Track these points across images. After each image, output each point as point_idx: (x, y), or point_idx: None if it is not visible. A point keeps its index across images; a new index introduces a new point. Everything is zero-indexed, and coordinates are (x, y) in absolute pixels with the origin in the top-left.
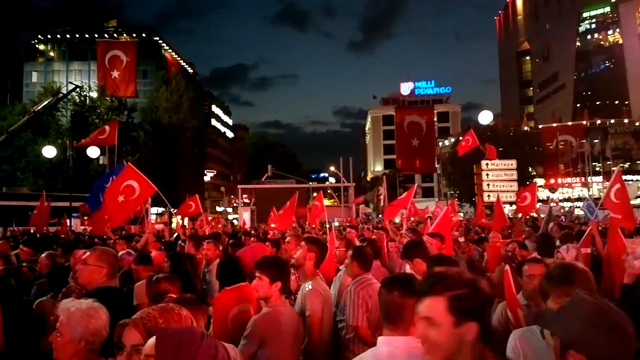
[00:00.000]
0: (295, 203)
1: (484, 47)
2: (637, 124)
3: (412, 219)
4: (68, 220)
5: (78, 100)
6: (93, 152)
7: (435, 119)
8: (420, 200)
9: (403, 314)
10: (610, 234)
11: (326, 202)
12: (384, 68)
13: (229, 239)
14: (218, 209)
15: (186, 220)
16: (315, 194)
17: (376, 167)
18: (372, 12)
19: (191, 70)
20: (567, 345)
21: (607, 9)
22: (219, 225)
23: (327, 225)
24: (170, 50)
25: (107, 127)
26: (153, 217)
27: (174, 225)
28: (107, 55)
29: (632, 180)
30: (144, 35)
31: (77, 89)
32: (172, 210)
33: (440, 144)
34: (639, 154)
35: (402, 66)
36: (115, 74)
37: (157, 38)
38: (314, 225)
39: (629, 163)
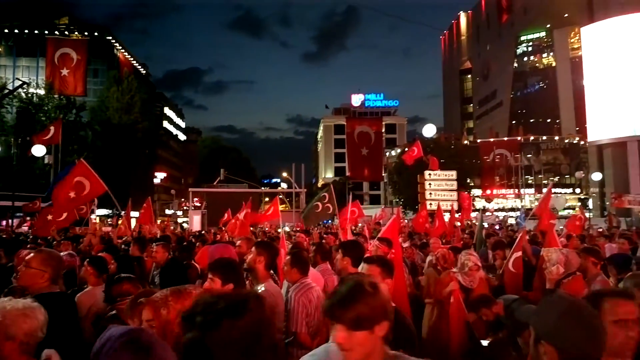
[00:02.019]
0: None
1: (430, 64)
2: (566, 141)
3: (359, 224)
4: (10, 220)
5: (25, 97)
6: (38, 150)
7: (383, 130)
8: (368, 207)
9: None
10: (548, 238)
11: (279, 207)
12: (336, 79)
13: (177, 243)
14: (168, 211)
15: (132, 223)
16: (267, 199)
17: (327, 174)
18: (326, 24)
19: (144, 71)
20: (539, 336)
21: (543, 33)
22: (171, 228)
23: (280, 230)
24: (123, 50)
25: (51, 127)
26: (97, 219)
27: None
28: (57, 53)
29: (560, 193)
30: (96, 33)
31: (24, 86)
32: (121, 212)
33: (388, 154)
34: (567, 169)
35: (353, 78)
36: (65, 71)
37: (110, 37)
38: (266, 229)
39: (558, 177)
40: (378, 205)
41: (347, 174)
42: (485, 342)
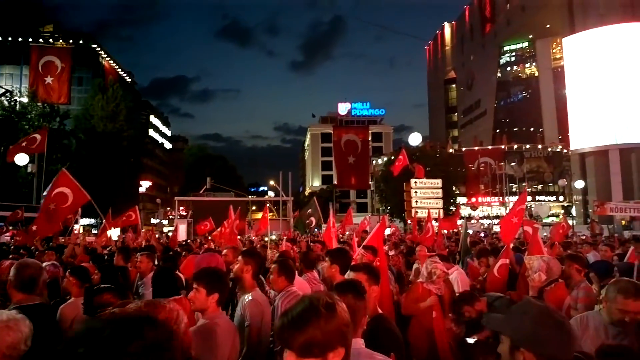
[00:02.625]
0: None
1: (416, 74)
2: (549, 149)
3: (347, 232)
4: None
5: (7, 105)
6: (21, 159)
7: (370, 139)
8: (355, 215)
9: (353, 317)
10: (532, 243)
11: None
12: (323, 88)
13: (164, 252)
14: (153, 221)
15: (117, 233)
16: (254, 207)
17: (314, 182)
18: (313, 33)
19: (129, 79)
20: (517, 344)
21: (525, 44)
22: (156, 237)
23: (267, 238)
24: (108, 58)
25: (37, 136)
26: (81, 229)
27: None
28: (42, 61)
29: (544, 200)
30: (81, 41)
31: (7, 94)
32: (104, 221)
33: (374, 162)
34: (550, 177)
35: (340, 87)
36: (49, 79)
37: (95, 45)
38: (253, 237)
39: (541, 185)
40: (365, 213)
41: (335, 182)
42: (470, 340)
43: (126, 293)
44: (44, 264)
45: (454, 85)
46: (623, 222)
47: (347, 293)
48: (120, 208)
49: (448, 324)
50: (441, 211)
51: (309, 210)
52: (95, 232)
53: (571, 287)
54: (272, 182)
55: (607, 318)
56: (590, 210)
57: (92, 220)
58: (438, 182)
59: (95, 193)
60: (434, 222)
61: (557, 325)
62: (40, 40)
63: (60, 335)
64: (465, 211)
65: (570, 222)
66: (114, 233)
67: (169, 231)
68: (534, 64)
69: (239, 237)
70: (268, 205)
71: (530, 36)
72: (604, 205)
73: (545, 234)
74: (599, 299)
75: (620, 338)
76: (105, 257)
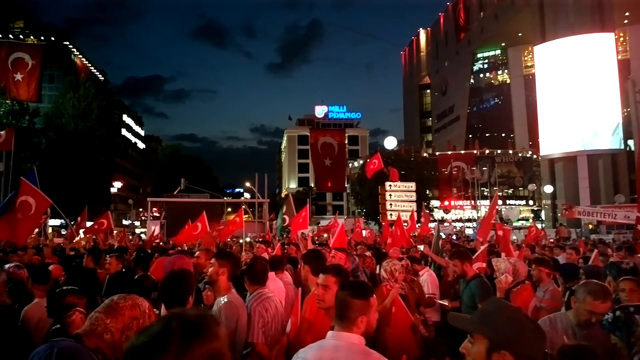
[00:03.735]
0: (205, 220)
1: (392, 79)
2: (519, 154)
3: (324, 235)
4: None
5: None
6: None
7: (346, 142)
8: (331, 217)
9: (349, 313)
10: (503, 246)
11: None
12: (300, 90)
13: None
14: (125, 222)
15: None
16: (230, 209)
17: (291, 184)
18: (291, 36)
19: (102, 77)
20: (498, 346)
21: (498, 51)
22: (129, 238)
23: (241, 240)
24: (80, 56)
25: (2, 133)
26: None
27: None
28: (11, 57)
29: (514, 204)
30: (52, 38)
31: None
32: (71, 222)
33: (350, 165)
34: (521, 182)
35: (316, 90)
36: (19, 76)
37: (67, 42)
38: (228, 239)
39: (512, 189)
40: (341, 215)
41: (311, 184)
42: None
43: (93, 295)
44: (6, 266)
45: (428, 91)
46: (590, 226)
47: (344, 291)
48: (91, 209)
49: (414, 321)
50: (415, 213)
51: (285, 209)
52: (65, 232)
53: (538, 289)
54: (248, 184)
55: (574, 319)
56: (559, 214)
57: (62, 221)
58: (412, 185)
59: (66, 193)
60: (405, 225)
61: (535, 327)
62: (11, 36)
63: (22, 335)
64: (438, 214)
65: (539, 225)
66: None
67: (141, 232)
68: (506, 71)
69: (231, 239)
70: (244, 207)
71: (503, 44)
72: (572, 210)
73: (515, 237)
74: (564, 301)
75: (587, 339)
76: (76, 259)
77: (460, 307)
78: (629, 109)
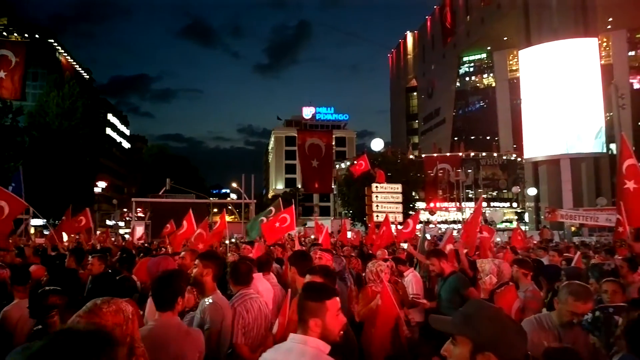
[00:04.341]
0: (192, 220)
1: (379, 81)
2: (504, 157)
3: (312, 236)
4: None
5: None
6: None
7: (333, 143)
8: (318, 218)
9: (302, 315)
10: (481, 250)
11: (227, 218)
12: (288, 91)
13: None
14: (109, 222)
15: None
16: (216, 210)
17: (278, 185)
18: (278, 37)
19: (87, 76)
20: (482, 347)
21: (484, 55)
22: (112, 239)
23: (227, 242)
24: (65, 54)
25: None
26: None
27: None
28: None
29: (498, 207)
30: (37, 35)
31: None
32: (55, 222)
33: (337, 166)
34: (505, 184)
35: (304, 91)
36: (2, 74)
37: (52, 40)
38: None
39: (496, 191)
40: (328, 217)
41: (298, 185)
42: None
43: (75, 296)
44: None
45: (415, 93)
46: (573, 229)
47: (304, 294)
48: (74, 208)
49: (398, 312)
50: (400, 215)
51: (272, 211)
52: (47, 233)
53: (519, 290)
54: (234, 185)
55: (557, 320)
56: (542, 217)
57: (44, 222)
58: (398, 187)
59: (49, 192)
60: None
61: (519, 329)
62: None
63: (3, 337)
64: (423, 216)
65: (522, 227)
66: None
67: (125, 233)
68: (491, 74)
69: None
70: (230, 207)
71: (489, 48)
72: (555, 212)
73: (499, 239)
74: (546, 302)
75: (571, 339)
76: (57, 260)
77: (439, 306)
78: (611, 113)
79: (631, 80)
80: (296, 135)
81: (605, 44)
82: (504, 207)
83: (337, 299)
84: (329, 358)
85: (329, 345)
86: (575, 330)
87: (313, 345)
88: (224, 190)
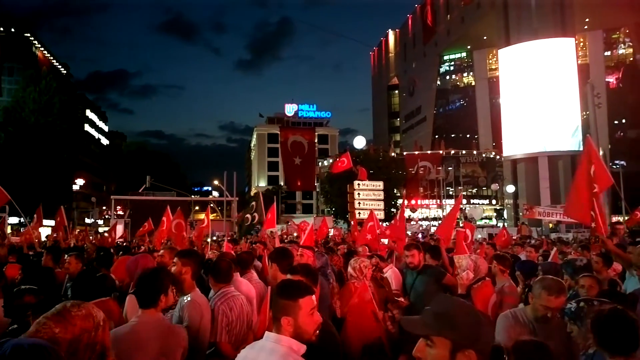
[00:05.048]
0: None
1: (361, 79)
2: (483, 155)
3: (295, 234)
4: None
5: None
6: None
7: (316, 140)
8: (301, 215)
9: (275, 313)
10: (456, 244)
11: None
12: (270, 88)
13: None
14: (87, 220)
15: (46, 232)
16: (197, 207)
17: (260, 182)
18: (261, 33)
19: (64, 71)
20: (462, 346)
21: (464, 54)
22: (90, 238)
23: (208, 239)
24: (42, 48)
25: None
26: (9, 228)
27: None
28: None
29: (478, 203)
30: (12, 30)
31: None
32: (27, 219)
33: (320, 164)
34: (484, 181)
35: (287, 88)
36: None
37: (28, 34)
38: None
39: (476, 189)
40: (310, 214)
41: (281, 182)
42: None
43: (51, 295)
44: None
45: (396, 91)
46: (550, 225)
47: (277, 292)
48: (52, 206)
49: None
50: (382, 213)
51: (254, 206)
52: (23, 230)
53: (496, 285)
54: (216, 182)
55: (531, 314)
56: (521, 214)
57: (21, 219)
58: (380, 184)
59: (25, 189)
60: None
61: (489, 322)
62: None
63: None
64: (405, 213)
65: (501, 224)
66: (43, 233)
67: (104, 231)
68: (471, 73)
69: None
70: (212, 205)
71: (468, 47)
72: (532, 209)
73: (480, 236)
74: (523, 297)
75: (546, 333)
76: (34, 258)
77: (411, 300)
78: (587, 112)
79: (607, 80)
80: (279, 132)
81: (582, 43)
82: (483, 204)
83: (312, 297)
84: (299, 358)
85: (304, 345)
86: (550, 324)
87: (285, 344)
88: (205, 188)
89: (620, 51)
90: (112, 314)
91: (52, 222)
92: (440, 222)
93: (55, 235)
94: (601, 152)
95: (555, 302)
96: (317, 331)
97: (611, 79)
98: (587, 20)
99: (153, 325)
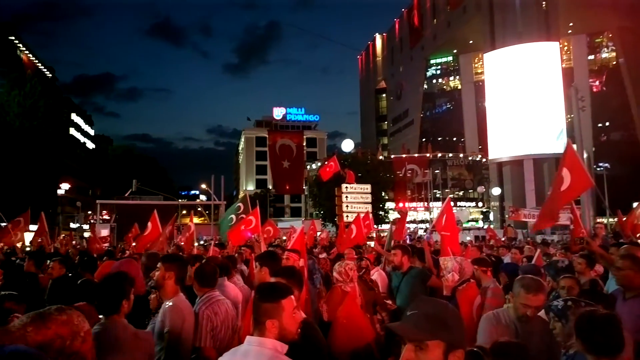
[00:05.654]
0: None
1: (349, 82)
2: (470, 158)
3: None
4: None
5: None
6: None
7: (304, 144)
8: (289, 219)
9: (258, 317)
10: (441, 249)
11: (196, 219)
12: (258, 92)
13: (81, 258)
14: (72, 225)
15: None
16: (184, 212)
17: (248, 186)
18: (248, 37)
19: (50, 75)
20: (453, 347)
21: (450, 58)
22: (73, 243)
23: (196, 244)
24: (26, 51)
25: None
26: None
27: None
28: None
29: (464, 206)
30: None
31: None
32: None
33: (308, 167)
34: (471, 184)
35: (275, 92)
36: None
37: (13, 37)
38: (182, 243)
39: (462, 191)
40: (299, 217)
41: (269, 186)
42: None
43: (34, 300)
44: None
45: (384, 95)
46: None
47: (257, 295)
48: (36, 210)
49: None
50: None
51: (240, 207)
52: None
53: (481, 287)
54: (204, 186)
55: (513, 314)
56: (507, 216)
57: (4, 224)
58: (367, 187)
59: (9, 194)
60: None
61: (461, 317)
62: None
63: None
64: (392, 216)
65: (485, 226)
66: (27, 238)
67: (89, 236)
68: (457, 77)
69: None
70: (199, 209)
71: (455, 51)
72: (518, 212)
73: (468, 238)
74: (507, 298)
75: (527, 333)
76: (15, 262)
77: (400, 300)
78: (572, 115)
79: (591, 83)
80: (267, 135)
81: (566, 47)
82: (469, 206)
83: (292, 297)
84: (286, 358)
85: (286, 345)
86: (531, 323)
87: (270, 347)
88: (193, 192)
89: (604, 55)
90: (89, 319)
91: (36, 227)
92: (429, 225)
93: (40, 240)
94: (585, 155)
95: (534, 300)
96: (299, 329)
97: (595, 83)
98: (571, 24)
99: (117, 331)
